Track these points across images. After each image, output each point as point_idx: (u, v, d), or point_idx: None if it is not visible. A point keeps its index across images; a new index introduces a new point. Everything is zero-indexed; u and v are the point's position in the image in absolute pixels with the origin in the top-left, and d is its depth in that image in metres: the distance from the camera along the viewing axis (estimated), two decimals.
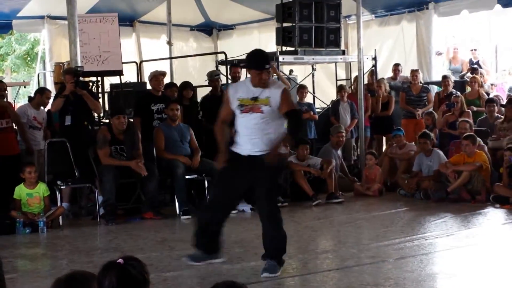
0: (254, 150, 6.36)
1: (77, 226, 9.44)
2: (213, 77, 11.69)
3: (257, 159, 6.30)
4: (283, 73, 13.68)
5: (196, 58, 17.11)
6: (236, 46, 16.56)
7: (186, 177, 9.96)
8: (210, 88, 11.75)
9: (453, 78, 14.31)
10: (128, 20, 16.41)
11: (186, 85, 11.60)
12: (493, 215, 9.26)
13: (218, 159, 6.60)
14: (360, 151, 12.26)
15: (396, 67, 14.44)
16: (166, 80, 11.76)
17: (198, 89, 12.72)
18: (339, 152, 11.76)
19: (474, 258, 6.82)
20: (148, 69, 13.34)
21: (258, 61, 6.38)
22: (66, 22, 10.67)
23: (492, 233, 8.15)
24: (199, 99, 12.07)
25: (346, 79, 15.20)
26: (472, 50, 16.97)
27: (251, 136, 6.35)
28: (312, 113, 12.72)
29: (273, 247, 6.51)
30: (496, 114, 12.10)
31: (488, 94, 14.02)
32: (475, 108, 12.70)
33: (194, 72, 16.76)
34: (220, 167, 6.53)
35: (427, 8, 15.14)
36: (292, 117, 6.39)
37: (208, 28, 18.24)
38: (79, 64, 10.19)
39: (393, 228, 8.49)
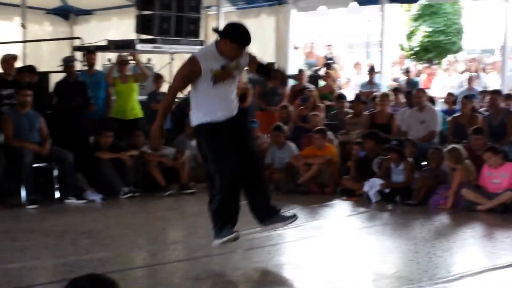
0: (232, 112, 6.19)
1: None
2: (68, 63, 11.39)
3: (235, 118, 6.19)
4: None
5: (51, 42, 16.60)
6: (94, 32, 16.23)
7: (35, 165, 9.67)
8: (64, 74, 11.43)
9: (308, 72, 14.65)
10: None
11: (27, 68, 11.15)
12: (340, 207, 9.54)
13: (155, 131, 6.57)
14: None
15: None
16: (18, 64, 11.32)
17: (52, 75, 12.35)
18: (193, 142, 11.74)
19: (320, 249, 7.01)
20: None
21: (244, 38, 6.04)
22: None
23: (338, 225, 8.41)
24: (52, 85, 11.71)
25: None
26: (327, 45, 17.47)
27: (226, 102, 6.17)
28: None
29: (271, 204, 6.48)
30: (346, 109, 12.48)
31: (340, 89, 14.46)
32: (327, 103, 13.04)
33: (48, 56, 16.26)
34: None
35: (286, 3, 15.39)
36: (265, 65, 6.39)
37: (65, 12, 17.75)
38: None
39: (242, 219, 8.45)
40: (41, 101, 10.68)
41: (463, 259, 6.85)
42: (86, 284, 2.72)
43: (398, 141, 10.12)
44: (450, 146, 9.59)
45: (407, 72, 14.50)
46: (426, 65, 17.03)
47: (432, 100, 12.10)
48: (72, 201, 9.76)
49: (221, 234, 6.24)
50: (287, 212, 6.70)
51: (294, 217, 6.46)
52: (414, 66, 15.97)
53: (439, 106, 12.75)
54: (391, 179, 9.83)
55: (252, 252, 6.80)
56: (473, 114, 11.08)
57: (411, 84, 13.77)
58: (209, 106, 6.12)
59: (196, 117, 6.20)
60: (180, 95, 14.13)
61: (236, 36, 6.01)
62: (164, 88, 13.09)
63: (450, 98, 12.53)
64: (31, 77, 10.96)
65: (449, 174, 9.41)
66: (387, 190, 9.70)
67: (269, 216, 6.44)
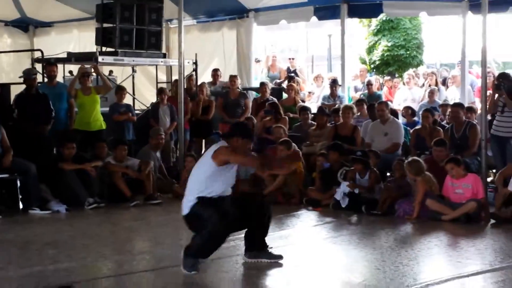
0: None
1: None
2: (30, 76, 11.21)
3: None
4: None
5: (10, 54, 16.42)
6: (55, 44, 16.14)
7: None
8: (24, 86, 11.29)
9: (270, 85, 14.71)
10: None
11: None
12: (306, 217, 9.57)
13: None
14: (180, 153, 12.27)
15: (215, 72, 14.63)
16: None
17: (12, 87, 12.21)
18: (158, 154, 11.71)
19: (287, 258, 6.98)
20: None
21: (251, 134, 7.03)
22: None
23: (305, 234, 8.43)
24: (12, 97, 11.57)
25: (167, 82, 15.19)
26: (290, 59, 17.55)
27: (230, 183, 6.78)
28: (130, 114, 12.59)
29: (265, 240, 6.85)
30: (309, 121, 12.55)
31: (303, 101, 14.53)
32: (291, 115, 13.10)
33: (8, 67, 16.09)
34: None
35: (247, 17, 15.46)
36: None
37: (24, 24, 17.58)
38: None
39: None
40: (3, 113, 10.57)
41: (429, 267, 6.91)
42: None
43: (363, 152, 10.20)
44: (410, 159, 9.70)
45: (369, 85, 14.61)
46: (387, 78, 17.20)
47: (395, 113, 12.22)
48: (36, 211, 9.66)
49: (193, 267, 6.40)
50: (273, 250, 6.85)
51: (280, 258, 6.80)
52: (377, 80, 16.07)
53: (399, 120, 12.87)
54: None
55: (220, 262, 6.77)
56: (435, 126, 11.22)
57: (374, 97, 13.88)
58: (217, 187, 6.62)
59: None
60: (143, 107, 14.19)
61: (247, 134, 6.76)
62: (127, 100, 13.06)
63: (408, 111, 12.67)
64: None
65: (413, 185, 9.50)
66: (356, 191, 9.76)
67: (258, 249, 6.79)
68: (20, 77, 11.52)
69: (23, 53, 15.92)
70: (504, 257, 7.07)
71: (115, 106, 12.58)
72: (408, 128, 11.90)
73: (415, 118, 12.56)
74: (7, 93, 11.59)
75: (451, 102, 12.90)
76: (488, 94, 10.49)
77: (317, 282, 6.06)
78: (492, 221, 8.84)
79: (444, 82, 15.40)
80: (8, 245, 7.62)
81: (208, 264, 6.62)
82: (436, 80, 14.99)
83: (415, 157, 9.80)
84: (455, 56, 16.98)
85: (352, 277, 6.26)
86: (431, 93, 13.75)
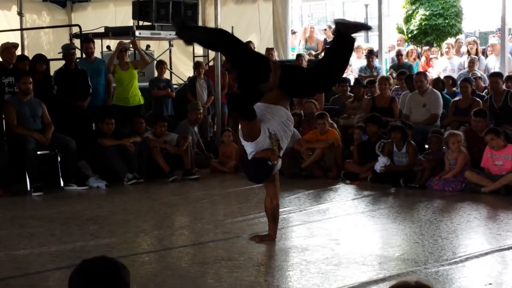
0: None
1: None
2: (69, 50, 11.32)
3: None
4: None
5: (49, 31, 16.57)
6: (91, 19, 16.22)
7: (38, 152, 9.68)
8: (63, 62, 11.40)
9: (307, 57, 14.62)
10: None
11: (40, 58, 11.24)
12: (344, 191, 9.56)
13: None
14: (217, 128, 12.31)
15: (248, 44, 14.53)
16: (17, 53, 11.30)
17: (51, 63, 12.33)
18: (196, 128, 11.76)
19: (325, 233, 7.01)
20: None
21: None
22: None
23: (343, 208, 8.41)
24: (51, 73, 11.70)
25: (203, 56, 15.21)
26: (324, 29, 17.39)
27: None
28: (169, 90, 12.64)
29: None
30: (348, 94, 12.47)
31: None
32: None
33: (47, 45, 16.23)
34: None
35: None
36: None
37: (62, 0, 17.69)
38: None
39: (247, 204, 8.60)
40: (47, 89, 10.71)
41: (469, 241, 6.87)
42: (98, 265, 2.73)
43: (402, 122, 10.15)
44: (451, 131, 9.60)
45: (399, 55, 14.37)
46: (426, 48, 16.96)
47: (442, 82, 12.05)
48: (73, 187, 9.79)
49: None
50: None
51: None
52: (415, 49, 15.81)
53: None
54: (393, 163, 9.85)
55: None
56: (474, 97, 11.08)
57: (404, 67, 13.66)
58: None
59: None
60: (180, 82, 14.22)
61: None
62: (166, 74, 13.11)
63: (449, 81, 12.50)
64: (42, 65, 11.00)
65: (446, 157, 9.43)
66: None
67: None
68: (59, 53, 11.65)
69: (61, 29, 16.04)
70: None
71: (155, 81, 12.64)
72: (448, 96, 11.76)
73: (454, 88, 12.41)
74: (47, 69, 11.72)
75: (491, 72, 12.72)
76: None
77: (356, 256, 6.05)
78: None
79: (484, 51, 15.13)
80: (50, 221, 7.73)
81: (246, 239, 6.67)
82: (476, 49, 14.75)
83: (455, 131, 9.70)
84: (494, 24, 16.68)
85: (390, 251, 6.24)
86: (471, 63, 13.55)
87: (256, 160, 6.04)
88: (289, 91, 6.45)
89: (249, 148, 6.08)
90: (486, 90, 12.05)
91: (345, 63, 6.75)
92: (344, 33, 6.35)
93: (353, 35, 6.42)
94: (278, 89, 6.26)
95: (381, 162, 9.79)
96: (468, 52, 14.45)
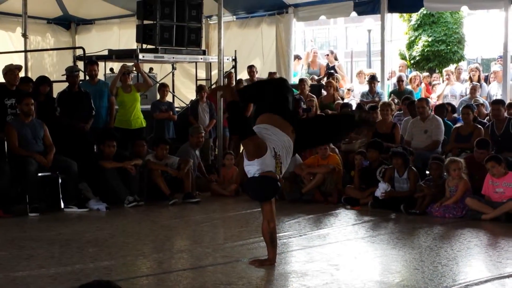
0: None
1: None
2: (72, 72, 11.38)
3: None
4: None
5: (53, 52, 16.68)
6: (96, 42, 16.31)
7: (39, 174, 9.70)
8: (66, 84, 11.44)
9: (309, 82, 14.67)
10: None
11: (43, 80, 11.30)
12: (344, 216, 9.55)
13: None
14: (218, 151, 12.32)
15: (251, 69, 14.62)
16: (21, 74, 11.36)
17: (55, 85, 12.39)
18: (197, 152, 11.77)
19: (325, 258, 7.00)
20: (1, 63, 12.84)
21: None
22: None
23: (343, 234, 8.39)
24: (55, 95, 11.74)
25: (206, 79, 15.27)
26: (326, 55, 17.46)
27: None
28: (171, 113, 12.68)
29: None
30: None
31: (342, 98, 14.47)
32: (329, 112, 13.04)
33: (51, 67, 16.31)
34: None
35: (287, 12, 15.48)
36: None
37: (66, 22, 17.82)
38: None
39: (248, 228, 8.59)
40: (50, 111, 10.75)
41: (469, 268, 6.84)
42: None
43: (403, 148, 10.16)
44: (452, 158, 9.62)
45: (399, 81, 14.41)
46: (426, 74, 17.01)
47: (446, 109, 12.06)
48: (72, 209, 9.79)
49: None
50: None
51: None
52: (417, 76, 15.83)
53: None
54: (394, 188, 9.86)
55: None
56: (475, 124, 11.09)
57: (404, 93, 13.70)
58: None
59: None
60: (182, 105, 14.26)
61: None
62: (168, 97, 13.15)
63: (448, 108, 12.52)
64: (45, 87, 11.06)
65: (446, 183, 9.44)
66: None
67: None
68: (62, 75, 11.70)
69: (65, 51, 16.17)
70: None
71: (157, 104, 12.68)
72: (450, 123, 11.77)
73: (455, 115, 12.43)
74: (50, 91, 11.77)
75: (493, 99, 12.74)
76: None
77: (355, 282, 6.03)
78: None
79: (486, 78, 15.16)
80: (50, 243, 7.71)
81: (245, 263, 6.65)
82: (479, 76, 14.79)
83: (456, 158, 9.71)
84: (496, 51, 16.74)
85: (390, 277, 6.22)
86: (473, 89, 13.58)
87: (265, 177, 6.07)
88: (300, 144, 6.61)
89: (255, 167, 6.10)
90: (488, 117, 12.06)
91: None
92: (356, 122, 6.64)
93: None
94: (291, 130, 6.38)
95: (382, 188, 9.80)
96: (470, 79, 14.47)
